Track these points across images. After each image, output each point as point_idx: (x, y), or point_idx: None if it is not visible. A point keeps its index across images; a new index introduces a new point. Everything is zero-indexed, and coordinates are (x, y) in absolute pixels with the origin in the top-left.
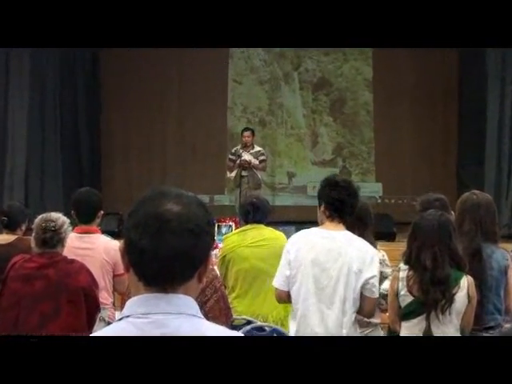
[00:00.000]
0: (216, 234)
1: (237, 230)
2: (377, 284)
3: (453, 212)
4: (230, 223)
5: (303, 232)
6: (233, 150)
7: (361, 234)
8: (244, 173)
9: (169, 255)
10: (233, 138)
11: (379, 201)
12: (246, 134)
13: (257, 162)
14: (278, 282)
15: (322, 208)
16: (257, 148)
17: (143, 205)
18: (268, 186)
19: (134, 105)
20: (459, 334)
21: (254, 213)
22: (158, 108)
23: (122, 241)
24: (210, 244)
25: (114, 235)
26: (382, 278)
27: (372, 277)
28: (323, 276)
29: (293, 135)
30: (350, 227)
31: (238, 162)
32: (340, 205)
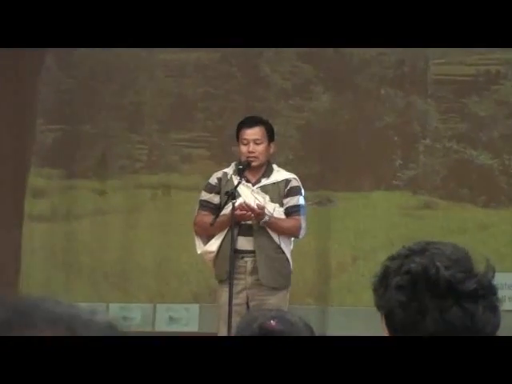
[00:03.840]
0: None
1: None
2: None
3: None
4: None
5: None
6: (214, 179)
7: None
8: (244, 242)
9: None
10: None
11: None
12: (250, 131)
13: (281, 214)
14: None
15: None
16: (278, 172)
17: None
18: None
19: None
20: None
21: None
22: None
23: None
24: None
25: None
26: None
27: None
28: None
29: None
30: None
31: (225, 208)
32: None
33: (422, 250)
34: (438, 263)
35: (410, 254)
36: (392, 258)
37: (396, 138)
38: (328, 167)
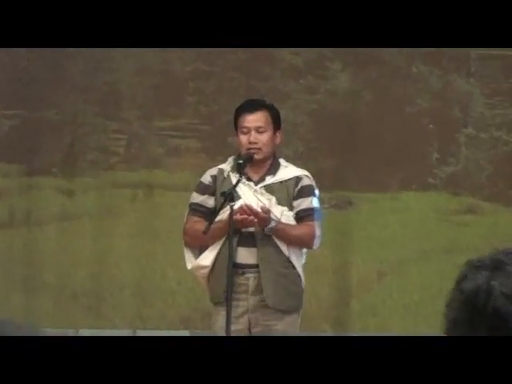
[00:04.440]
0: None
1: None
2: None
3: None
4: None
5: None
6: (208, 177)
7: None
8: (245, 254)
9: None
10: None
11: None
12: (252, 117)
13: (290, 219)
14: None
15: None
16: (287, 168)
17: None
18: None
19: None
20: None
21: None
22: None
23: None
24: None
25: None
26: None
27: None
28: None
29: None
30: None
31: (222, 213)
32: None
33: (495, 264)
34: (498, 288)
35: (479, 265)
36: (466, 265)
37: (431, 127)
38: (347, 162)
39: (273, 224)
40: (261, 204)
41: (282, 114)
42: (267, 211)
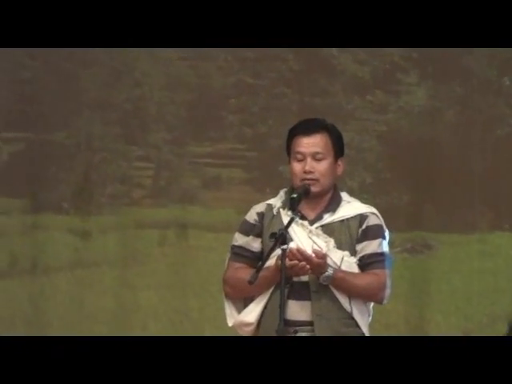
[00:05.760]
0: None
1: None
2: None
3: None
4: None
5: None
6: (254, 215)
7: None
8: (296, 308)
9: None
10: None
11: None
12: (308, 140)
13: (353, 266)
14: None
15: None
16: (350, 204)
17: None
18: None
19: None
20: None
21: None
22: None
23: None
24: None
25: None
26: None
27: None
28: None
29: None
30: None
31: (271, 258)
32: None
33: None
34: None
35: None
36: None
37: None
38: (425, 196)
39: (330, 272)
40: (315, 247)
41: (346, 137)
42: (323, 256)
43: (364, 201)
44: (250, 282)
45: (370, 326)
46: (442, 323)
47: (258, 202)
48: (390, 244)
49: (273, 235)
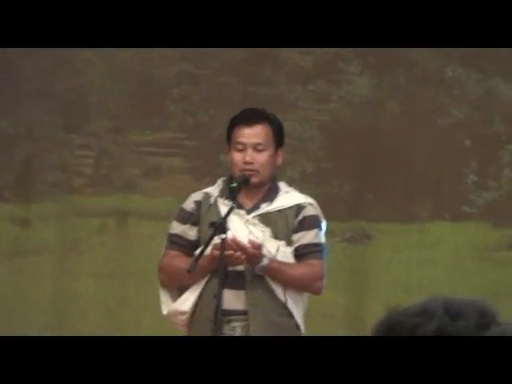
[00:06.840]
0: None
1: None
2: None
3: None
4: None
5: None
6: (191, 204)
7: None
8: (231, 297)
9: None
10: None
11: None
12: (249, 131)
13: (288, 256)
14: None
15: None
16: (287, 194)
17: None
18: None
19: None
20: None
21: None
22: None
23: None
24: None
25: None
26: None
27: None
28: None
29: None
30: None
31: (205, 250)
32: None
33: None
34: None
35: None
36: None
37: (468, 143)
38: (366, 186)
39: (265, 262)
40: (251, 237)
41: (287, 126)
42: (258, 246)
43: (304, 191)
44: (189, 271)
45: (308, 315)
46: (381, 313)
47: (198, 190)
48: (330, 233)
49: (212, 224)
